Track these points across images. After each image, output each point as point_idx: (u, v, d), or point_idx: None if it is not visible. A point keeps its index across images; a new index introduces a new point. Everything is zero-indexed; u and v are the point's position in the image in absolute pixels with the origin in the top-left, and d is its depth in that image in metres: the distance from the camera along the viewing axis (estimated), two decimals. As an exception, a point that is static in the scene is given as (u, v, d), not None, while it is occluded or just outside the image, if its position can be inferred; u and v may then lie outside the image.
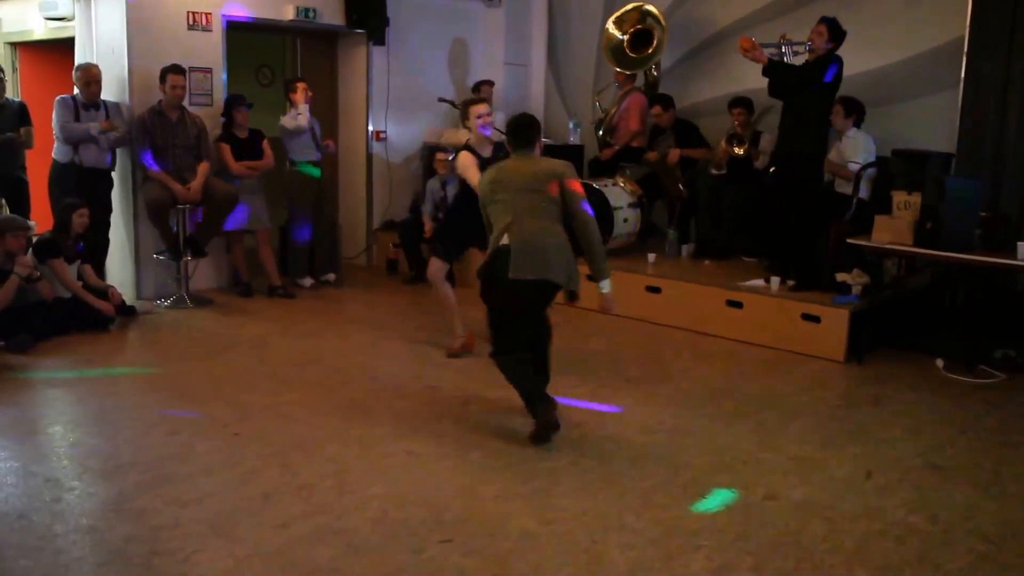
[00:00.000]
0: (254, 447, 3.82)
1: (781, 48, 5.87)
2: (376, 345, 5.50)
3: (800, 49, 5.81)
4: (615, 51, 7.42)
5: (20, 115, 6.46)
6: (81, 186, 6.07)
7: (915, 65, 6.38)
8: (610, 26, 7.46)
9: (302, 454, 3.76)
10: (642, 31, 7.31)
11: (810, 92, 5.64)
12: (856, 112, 5.98)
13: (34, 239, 5.66)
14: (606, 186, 6.75)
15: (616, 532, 3.13)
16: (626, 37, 7.39)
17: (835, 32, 5.63)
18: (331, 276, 7.17)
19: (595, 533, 3.12)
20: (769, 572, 2.89)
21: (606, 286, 4.03)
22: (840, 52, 5.69)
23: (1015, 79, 5.78)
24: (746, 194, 6.66)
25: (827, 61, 5.61)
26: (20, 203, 6.47)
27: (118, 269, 6.60)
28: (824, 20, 5.67)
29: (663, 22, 7.19)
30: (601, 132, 7.58)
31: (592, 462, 3.76)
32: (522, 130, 4.18)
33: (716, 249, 6.84)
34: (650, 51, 7.27)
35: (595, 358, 5.31)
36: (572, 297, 4.08)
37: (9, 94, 6.78)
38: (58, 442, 3.90)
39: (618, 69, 7.45)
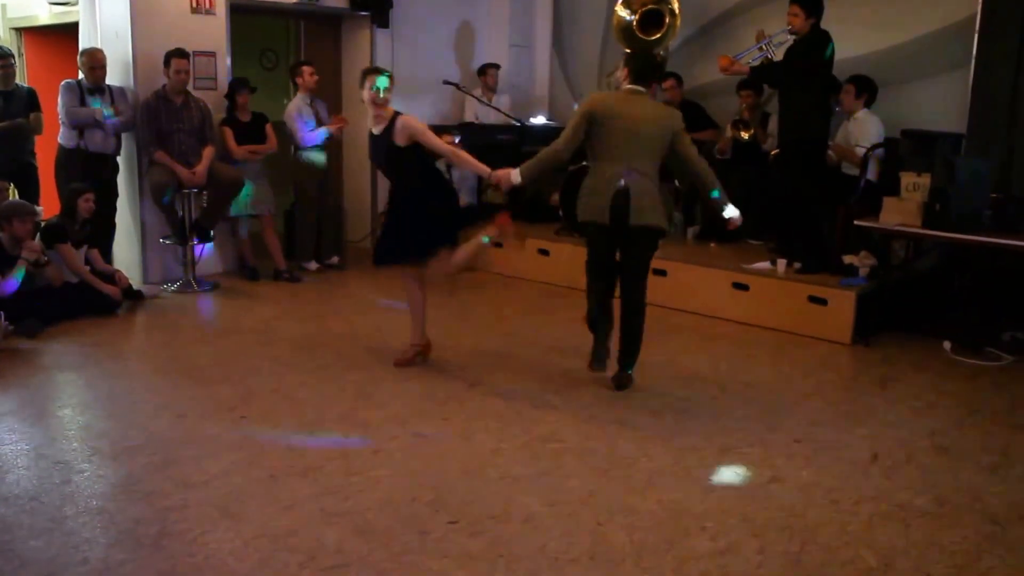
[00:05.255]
0: (261, 429, 3.84)
1: (762, 47, 5.71)
2: (381, 328, 5.51)
3: (783, 38, 5.65)
4: (625, 32, 7.36)
5: (29, 101, 6.47)
6: (87, 171, 6.09)
7: (926, 44, 6.32)
8: (619, 7, 7.40)
9: (308, 436, 3.77)
10: (652, 11, 7.24)
11: (803, 79, 5.50)
12: (867, 92, 5.90)
13: (41, 224, 5.69)
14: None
15: (621, 514, 3.14)
16: (635, 18, 7.32)
17: (809, 6, 5.48)
18: (335, 259, 7.18)
19: (600, 515, 3.13)
20: (774, 554, 2.90)
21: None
22: (849, 31, 5.62)
23: (1027, 58, 5.72)
24: (752, 176, 6.62)
25: (813, 42, 5.45)
26: (29, 188, 6.48)
27: (124, 253, 6.62)
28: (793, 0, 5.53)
29: (675, 5, 7.11)
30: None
31: (597, 444, 3.76)
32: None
33: (722, 231, 6.81)
34: (661, 34, 7.20)
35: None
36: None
37: (16, 79, 6.78)
38: (67, 425, 3.92)
39: (628, 51, 7.39)
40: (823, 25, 5.53)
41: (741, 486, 3.40)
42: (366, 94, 4.45)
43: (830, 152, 5.90)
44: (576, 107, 7.97)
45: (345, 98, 7.94)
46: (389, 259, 4.69)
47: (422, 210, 4.50)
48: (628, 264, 4.38)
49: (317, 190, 6.96)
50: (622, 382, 4.43)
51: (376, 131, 4.50)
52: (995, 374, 4.87)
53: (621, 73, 4.42)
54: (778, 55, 5.75)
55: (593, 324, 4.48)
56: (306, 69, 6.78)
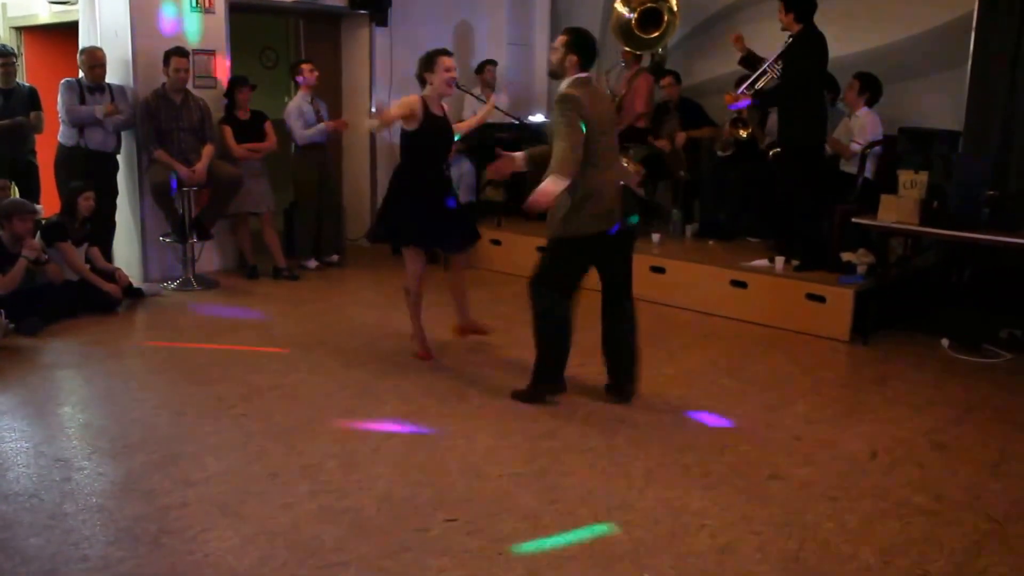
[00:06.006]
0: (260, 427, 3.85)
1: (767, 70, 5.68)
2: (381, 326, 5.52)
3: (779, 46, 5.64)
4: (624, 30, 7.37)
5: (30, 99, 6.48)
6: (87, 169, 6.10)
7: (923, 42, 6.33)
8: (618, 5, 7.41)
9: (308, 434, 3.78)
10: (651, 10, 7.25)
11: (796, 89, 5.51)
12: (870, 91, 5.90)
13: (42, 222, 5.70)
14: (610, 166, 6.72)
15: (620, 512, 3.15)
16: (634, 16, 7.33)
17: (789, 3, 5.45)
18: (334, 257, 7.19)
19: (599, 513, 3.14)
20: (773, 551, 2.91)
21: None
22: (847, 29, 5.62)
23: (1024, 56, 5.74)
24: (751, 174, 6.63)
25: (806, 44, 5.45)
26: (30, 187, 6.49)
27: (125, 252, 6.63)
28: None
29: (674, 3, 7.12)
30: (609, 114, 7.55)
31: (596, 442, 3.77)
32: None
33: (720, 229, 6.83)
34: (660, 32, 7.21)
35: (600, 339, 5.29)
36: None
37: (17, 78, 6.79)
38: (67, 423, 3.93)
39: (627, 48, 7.41)
40: (820, 23, 5.53)
41: (740, 484, 3.40)
42: (444, 76, 4.42)
43: (826, 146, 5.92)
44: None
45: (345, 96, 7.95)
46: (425, 241, 4.63)
47: (451, 200, 4.59)
48: (622, 271, 4.16)
49: (317, 188, 6.97)
50: (630, 396, 4.27)
51: (440, 113, 4.54)
52: (993, 371, 4.87)
53: (568, 59, 3.94)
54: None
55: (560, 360, 4.11)
56: (306, 67, 6.79)
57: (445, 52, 4.50)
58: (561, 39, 3.99)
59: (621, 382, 4.24)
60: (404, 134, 4.54)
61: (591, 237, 3.96)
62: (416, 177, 4.55)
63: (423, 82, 4.54)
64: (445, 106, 4.65)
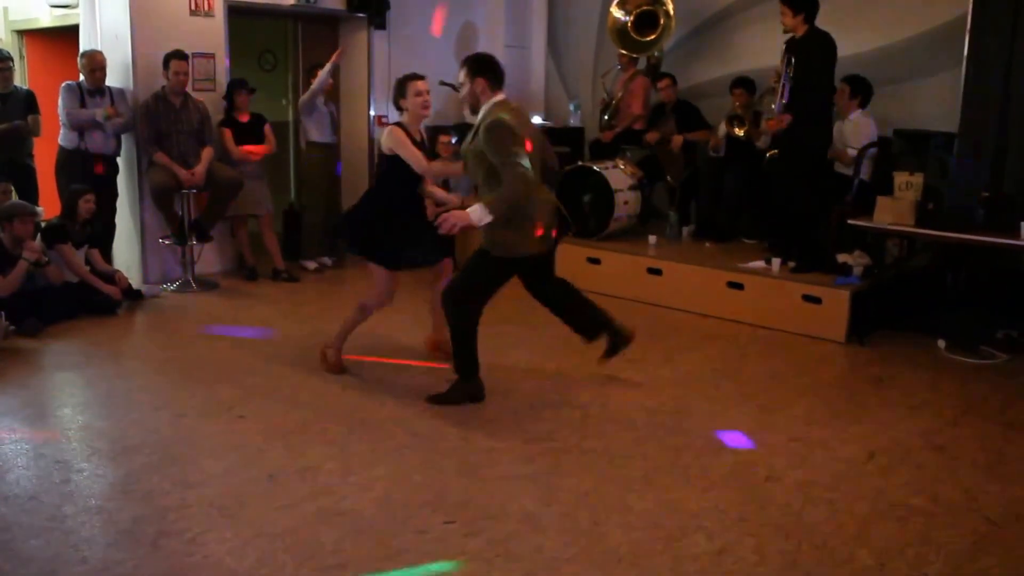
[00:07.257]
0: (259, 429, 3.86)
1: (783, 82, 5.68)
2: (379, 327, 5.52)
3: (777, 49, 5.65)
4: (620, 33, 7.40)
5: (28, 103, 6.48)
6: (87, 172, 6.11)
7: (918, 44, 6.35)
8: (614, 8, 7.44)
9: (306, 436, 3.80)
10: (647, 12, 7.28)
11: (808, 90, 5.52)
12: (862, 93, 5.91)
13: (42, 224, 5.71)
14: (607, 168, 6.75)
15: (618, 514, 3.16)
16: (630, 19, 7.36)
17: (794, 3, 5.44)
18: (327, 260, 7.20)
19: (597, 515, 3.15)
20: (771, 554, 2.92)
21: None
22: (842, 31, 5.61)
23: (1019, 58, 5.72)
24: (747, 176, 6.65)
25: (813, 44, 5.44)
26: (28, 190, 6.50)
27: (124, 254, 6.64)
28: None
29: (670, 6, 7.15)
30: (607, 116, 7.57)
31: (594, 443, 3.78)
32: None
33: (717, 231, 6.85)
34: (655, 35, 7.24)
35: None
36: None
37: (16, 82, 6.79)
38: (67, 424, 3.94)
39: (623, 51, 7.44)
40: (816, 25, 5.53)
41: (738, 485, 3.42)
42: (416, 101, 4.37)
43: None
44: (572, 108, 8.06)
45: (343, 98, 7.95)
46: (405, 264, 4.61)
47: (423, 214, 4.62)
48: (548, 272, 4.37)
49: (327, 189, 6.99)
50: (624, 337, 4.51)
51: (419, 138, 4.50)
52: (989, 372, 4.88)
53: (476, 85, 3.95)
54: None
55: (474, 357, 4.21)
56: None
57: (416, 76, 4.45)
58: (461, 72, 4.03)
59: (606, 329, 4.44)
60: (386, 158, 4.49)
61: (523, 258, 4.07)
62: (396, 199, 4.51)
63: (400, 109, 4.49)
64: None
